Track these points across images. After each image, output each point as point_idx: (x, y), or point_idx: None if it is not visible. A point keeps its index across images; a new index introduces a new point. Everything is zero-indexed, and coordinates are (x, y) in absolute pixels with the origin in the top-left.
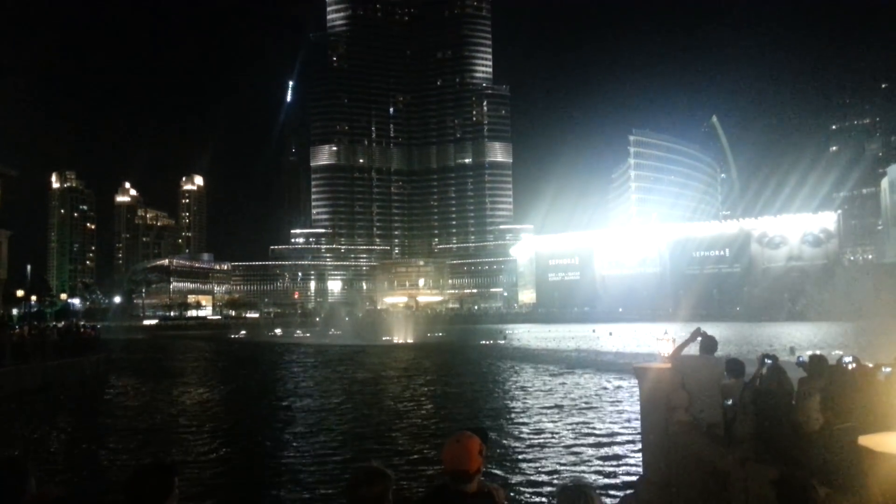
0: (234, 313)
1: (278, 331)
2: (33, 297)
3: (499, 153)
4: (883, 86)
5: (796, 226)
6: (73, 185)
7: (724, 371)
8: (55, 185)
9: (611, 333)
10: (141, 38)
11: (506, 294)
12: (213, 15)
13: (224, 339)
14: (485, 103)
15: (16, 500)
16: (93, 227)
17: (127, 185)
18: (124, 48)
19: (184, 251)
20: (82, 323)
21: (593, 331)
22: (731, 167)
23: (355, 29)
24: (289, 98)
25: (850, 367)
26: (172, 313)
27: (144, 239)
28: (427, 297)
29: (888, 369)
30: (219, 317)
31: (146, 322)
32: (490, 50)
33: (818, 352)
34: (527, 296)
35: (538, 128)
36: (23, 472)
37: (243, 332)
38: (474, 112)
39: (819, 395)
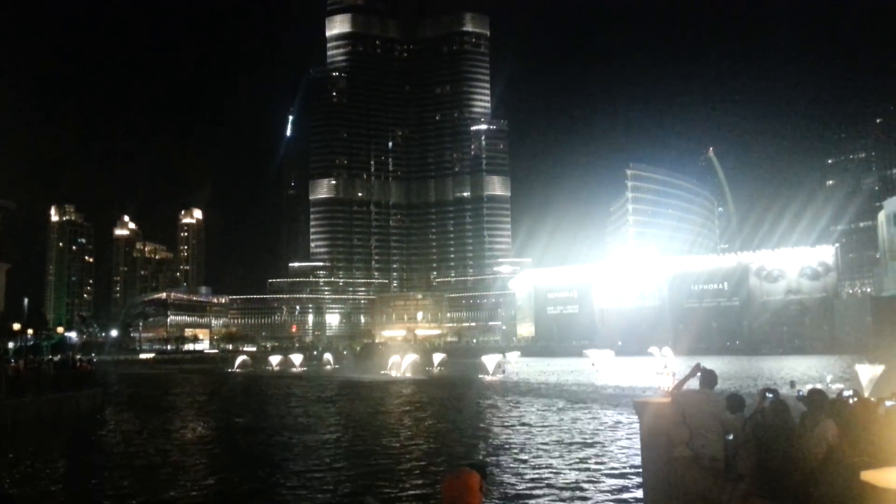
0: (231, 347)
1: (275, 363)
2: (30, 331)
3: (497, 187)
4: (878, 120)
5: (794, 259)
6: (73, 218)
7: (724, 406)
8: (54, 218)
9: (609, 367)
10: (141, 72)
11: (504, 327)
12: (214, 49)
13: (220, 373)
14: (483, 137)
15: None
16: (91, 260)
17: (126, 218)
18: (125, 81)
19: (182, 284)
20: (79, 356)
21: (592, 364)
22: (729, 201)
23: (355, 65)
24: (289, 132)
25: (850, 401)
26: (169, 347)
27: (143, 272)
28: (425, 331)
29: (890, 403)
30: (216, 350)
31: (143, 355)
32: (488, 85)
33: (818, 386)
34: (525, 329)
35: (536, 162)
36: None
37: (241, 358)
38: (472, 146)
39: (819, 430)
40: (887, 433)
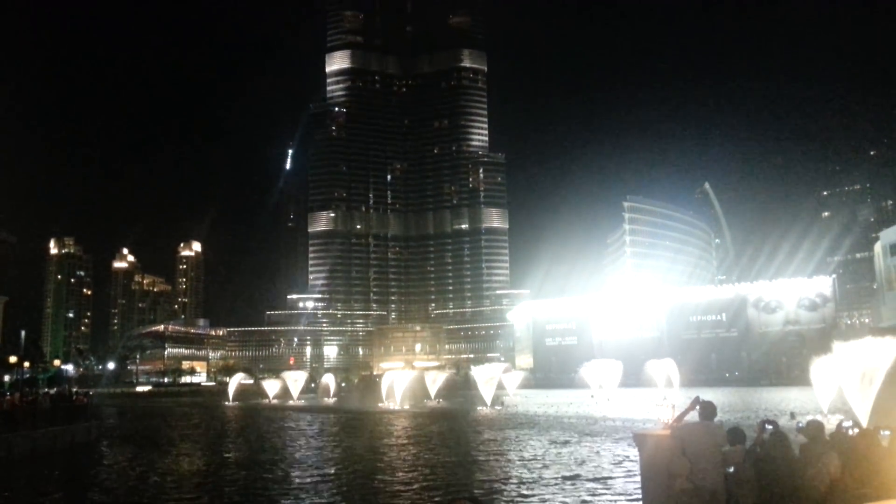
0: (228, 379)
1: (272, 394)
2: (26, 363)
3: (495, 219)
4: (872, 153)
5: (792, 290)
6: (71, 250)
7: (724, 438)
8: (53, 250)
9: (609, 399)
10: (141, 105)
11: (503, 359)
12: (215, 83)
13: (217, 406)
14: (481, 170)
15: None
16: (89, 292)
17: (125, 250)
18: (124, 113)
19: (180, 317)
20: (75, 389)
21: (592, 396)
22: (725, 233)
23: (354, 99)
24: (288, 165)
25: (850, 431)
26: (166, 379)
27: (140, 304)
28: (423, 363)
29: (887, 432)
30: (213, 383)
31: (140, 388)
32: (486, 119)
33: (818, 417)
34: (524, 360)
35: (534, 194)
36: None
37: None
38: (471, 179)
39: (822, 463)
40: (889, 464)
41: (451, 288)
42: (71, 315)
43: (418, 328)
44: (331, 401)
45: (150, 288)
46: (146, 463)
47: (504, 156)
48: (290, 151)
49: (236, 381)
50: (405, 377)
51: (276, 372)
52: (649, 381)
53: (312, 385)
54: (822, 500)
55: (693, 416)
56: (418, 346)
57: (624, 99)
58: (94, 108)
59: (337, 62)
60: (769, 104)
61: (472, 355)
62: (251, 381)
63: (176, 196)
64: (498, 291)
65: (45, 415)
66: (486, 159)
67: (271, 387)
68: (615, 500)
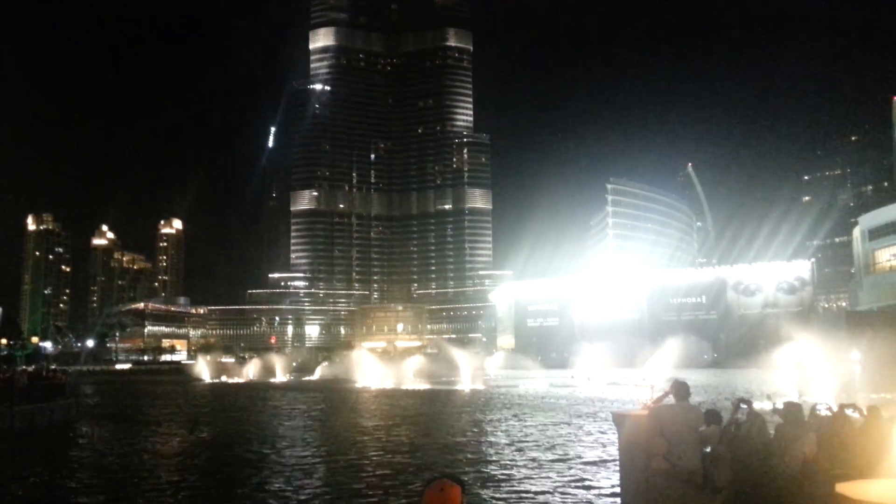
0: (209, 358)
1: (251, 372)
2: (3, 340)
3: (478, 200)
4: (853, 138)
5: (771, 274)
6: (50, 227)
7: (701, 418)
8: (31, 227)
9: (589, 378)
10: (123, 80)
11: (485, 339)
12: (197, 59)
13: (198, 384)
14: (465, 151)
15: None
16: (68, 269)
17: (104, 227)
18: (105, 89)
19: (160, 294)
20: (53, 367)
21: (572, 377)
22: (707, 216)
23: (338, 78)
24: (270, 143)
25: (824, 412)
26: (146, 357)
27: (120, 282)
28: (405, 342)
29: (852, 411)
30: (193, 361)
31: (119, 366)
32: (470, 99)
33: (795, 399)
34: (506, 341)
35: (518, 175)
36: None
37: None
38: (455, 159)
39: (799, 443)
40: (862, 445)
41: (433, 268)
42: (49, 292)
43: (400, 308)
44: (314, 377)
45: (130, 265)
46: (128, 441)
47: (488, 136)
48: (273, 129)
49: (206, 360)
50: (385, 356)
51: (257, 351)
52: (632, 363)
53: (294, 365)
54: (797, 480)
55: (669, 398)
56: (400, 326)
57: (609, 81)
58: (74, 83)
59: (321, 39)
60: (752, 88)
61: (454, 335)
62: (232, 360)
63: (157, 173)
64: (480, 272)
65: (22, 392)
66: (470, 139)
67: (255, 365)
68: (591, 478)
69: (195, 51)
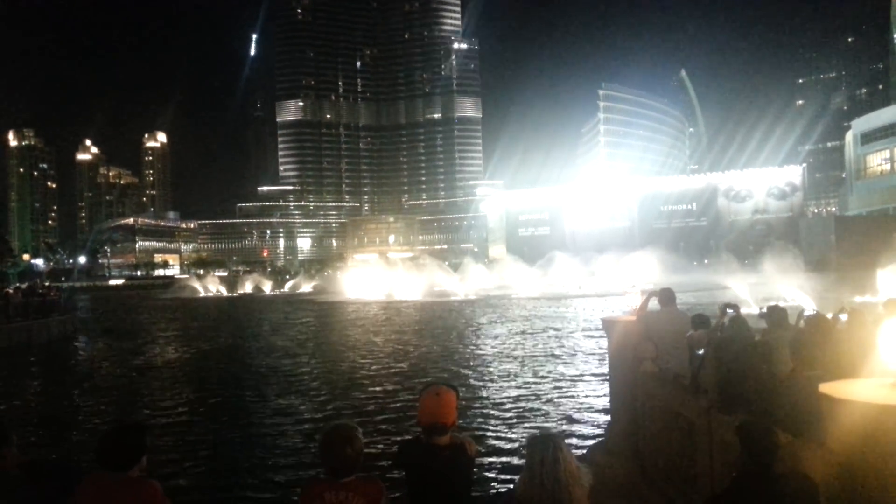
0: (202, 272)
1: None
2: None
3: (468, 108)
4: (849, 39)
5: (762, 179)
6: (32, 143)
7: (688, 323)
8: (13, 143)
9: (580, 287)
10: None
11: (476, 249)
12: None
13: (192, 297)
14: (453, 57)
15: None
16: (54, 185)
17: (88, 142)
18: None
19: (149, 210)
20: (47, 283)
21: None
22: (699, 121)
23: None
24: (252, 52)
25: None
26: (139, 273)
27: (108, 197)
28: (397, 253)
29: (844, 316)
30: (186, 276)
31: (112, 282)
32: (458, 2)
33: (779, 303)
34: (497, 251)
35: (508, 82)
36: (4, 435)
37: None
38: (443, 66)
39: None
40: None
41: (424, 178)
42: (37, 206)
43: (391, 219)
44: (306, 290)
45: (117, 180)
46: (125, 353)
47: (478, 42)
48: (255, 36)
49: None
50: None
51: (250, 264)
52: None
53: (287, 277)
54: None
55: (655, 303)
56: (392, 238)
57: None
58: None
59: None
60: None
61: (445, 246)
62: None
63: (138, 85)
64: (471, 182)
65: (18, 309)
66: (458, 45)
67: (254, 279)
68: (582, 382)
69: None
